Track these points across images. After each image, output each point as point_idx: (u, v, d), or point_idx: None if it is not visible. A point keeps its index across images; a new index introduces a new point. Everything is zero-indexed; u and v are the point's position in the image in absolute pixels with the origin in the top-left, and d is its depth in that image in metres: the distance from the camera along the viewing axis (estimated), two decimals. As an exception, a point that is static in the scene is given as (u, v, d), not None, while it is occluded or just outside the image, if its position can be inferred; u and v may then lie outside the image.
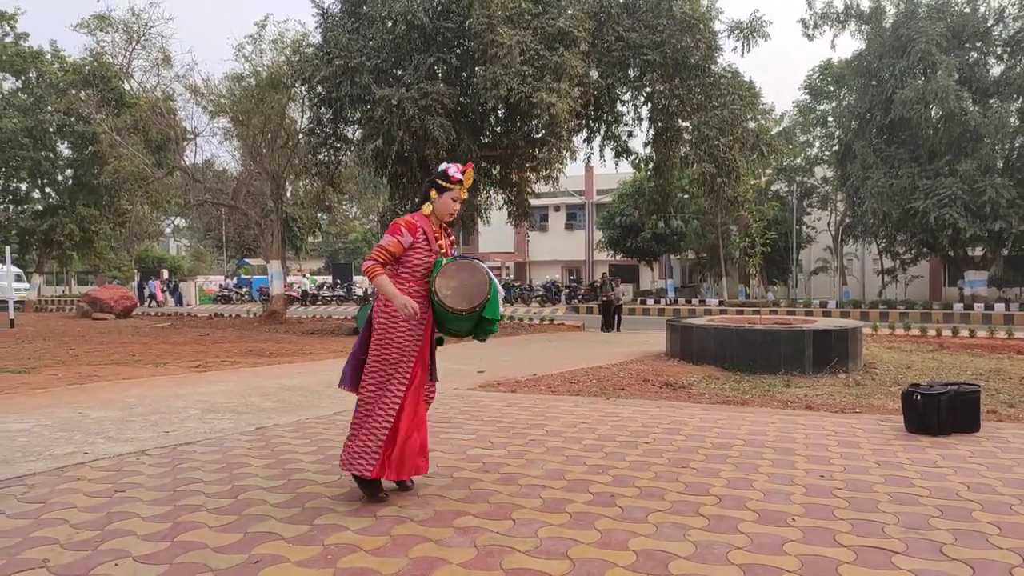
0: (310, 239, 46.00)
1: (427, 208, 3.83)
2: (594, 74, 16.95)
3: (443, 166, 3.89)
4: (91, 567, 2.87)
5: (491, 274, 3.82)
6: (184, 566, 2.88)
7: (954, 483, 4.04)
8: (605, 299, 18.75)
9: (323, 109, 17.74)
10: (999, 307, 25.09)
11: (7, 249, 20.99)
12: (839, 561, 2.90)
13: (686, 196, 31.45)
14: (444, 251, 3.85)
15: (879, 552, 3.00)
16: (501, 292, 3.85)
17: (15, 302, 29.86)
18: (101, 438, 5.30)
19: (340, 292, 39.48)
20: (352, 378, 3.85)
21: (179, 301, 38.71)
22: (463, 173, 3.84)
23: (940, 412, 5.29)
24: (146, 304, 35.53)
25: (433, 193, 3.82)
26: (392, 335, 3.70)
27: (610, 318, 18.36)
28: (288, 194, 26.01)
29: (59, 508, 3.64)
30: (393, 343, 3.70)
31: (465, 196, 3.91)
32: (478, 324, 3.84)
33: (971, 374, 9.09)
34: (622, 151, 19.83)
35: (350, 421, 3.80)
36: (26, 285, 35.26)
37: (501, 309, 3.93)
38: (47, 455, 4.77)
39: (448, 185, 3.80)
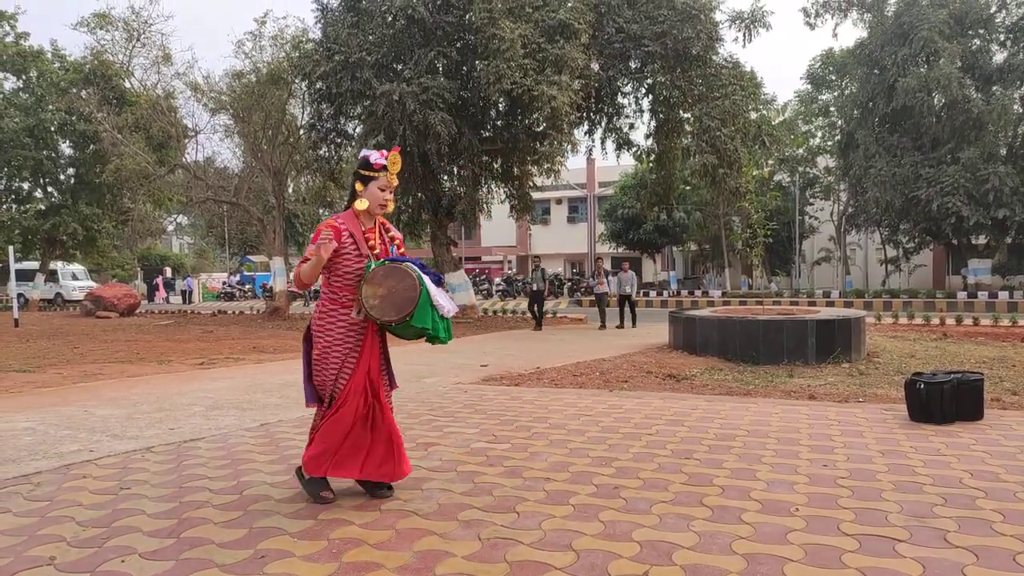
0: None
1: (360, 204, 3.48)
2: (595, 66, 16.91)
3: (363, 153, 3.56)
4: (97, 564, 2.89)
5: (426, 277, 3.44)
6: (190, 562, 2.89)
7: (958, 471, 4.04)
8: (535, 290, 16.37)
9: (323, 105, 17.74)
10: (1003, 295, 25.01)
11: (11, 249, 21.01)
12: (843, 550, 2.91)
13: (688, 187, 31.38)
14: (378, 251, 3.53)
15: (883, 540, 3.00)
16: (440, 301, 3.44)
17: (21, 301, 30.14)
18: (106, 436, 5.33)
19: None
20: (315, 394, 3.68)
21: (187, 298, 38.79)
22: (386, 158, 3.49)
23: (943, 400, 5.29)
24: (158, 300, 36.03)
25: (359, 186, 3.49)
26: (329, 347, 3.50)
27: (541, 313, 16.21)
28: (290, 190, 26.02)
29: (65, 506, 3.66)
30: (331, 355, 3.49)
31: (395, 183, 3.55)
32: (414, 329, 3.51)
33: (975, 362, 9.08)
34: (623, 143, 19.80)
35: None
36: (90, 283, 34.70)
37: (449, 311, 3.50)
38: (53, 453, 4.79)
39: (371, 174, 3.47)
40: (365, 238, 3.48)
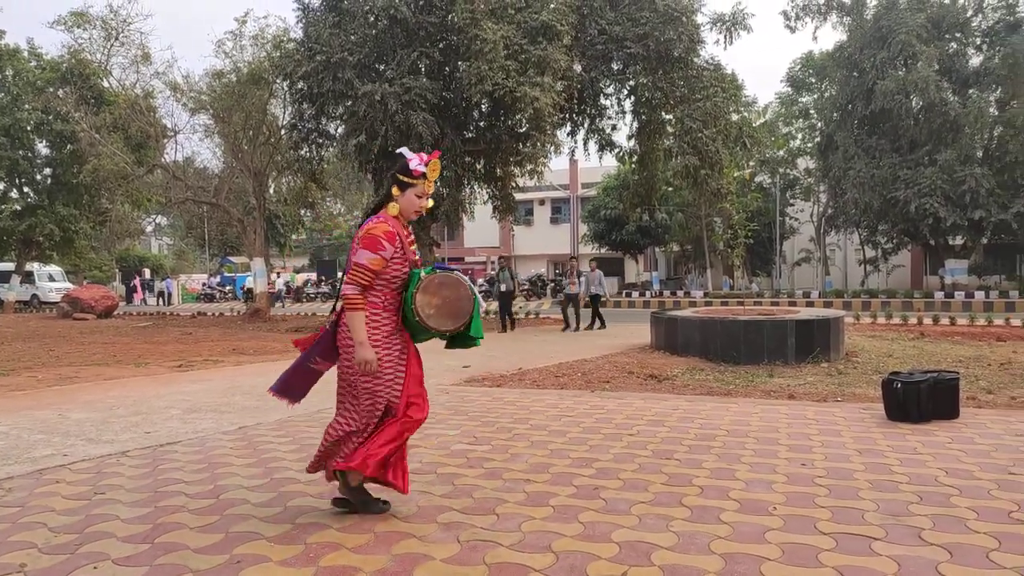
0: (294, 236, 45.70)
1: (393, 208, 3.35)
2: (577, 68, 16.96)
3: (403, 156, 3.39)
4: (69, 571, 2.84)
5: (473, 287, 3.43)
6: (164, 567, 2.85)
7: (933, 469, 4.08)
8: (503, 291, 15.78)
9: (305, 105, 17.63)
10: (979, 295, 25.38)
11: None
12: (819, 549, 2.93)
13: (670, 188, 31.56)
14: (417, 257, 3.45)
15: (859, 539, 3.03)
16: (483, 305, 3.49)
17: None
18: (81, 440, 5.25)
19: (325, 289, 39.36)
20: (296, 389, 3.61)
21: (166, 300, 38.31)
22: (427, 164, 3.34)
23: (920, 399, 5.35)
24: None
25: (396, 191, 3.34)
26: (377, 351, 3.26)
27: (511, 315, 15.80)
28: (271, 191, 25.79)
29: (37, 511, 3.59)
30: (384, 361, 3.28)
31: (432, 190, 3.42)
32: (455, 337, 3.49)
33: (951, 361, 9.20)
34: (606, 144, 19.86)
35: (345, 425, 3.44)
36: (67, 285, 33.83)
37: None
38: (25, 458, 4.71)
39: (411, 181, 3.32)
40: (408, 241, 3.38)
